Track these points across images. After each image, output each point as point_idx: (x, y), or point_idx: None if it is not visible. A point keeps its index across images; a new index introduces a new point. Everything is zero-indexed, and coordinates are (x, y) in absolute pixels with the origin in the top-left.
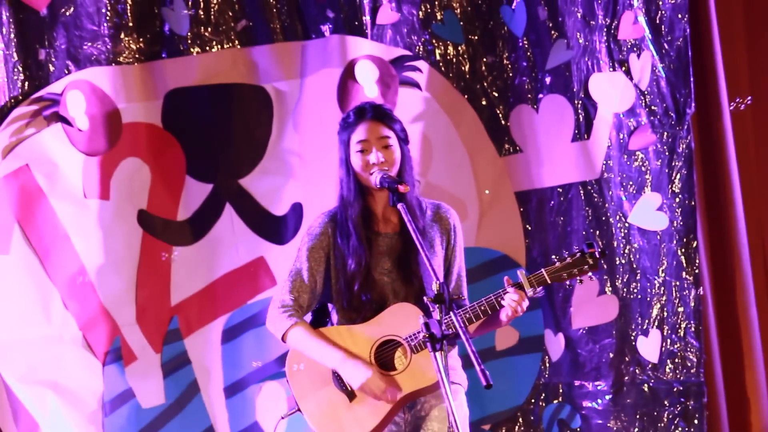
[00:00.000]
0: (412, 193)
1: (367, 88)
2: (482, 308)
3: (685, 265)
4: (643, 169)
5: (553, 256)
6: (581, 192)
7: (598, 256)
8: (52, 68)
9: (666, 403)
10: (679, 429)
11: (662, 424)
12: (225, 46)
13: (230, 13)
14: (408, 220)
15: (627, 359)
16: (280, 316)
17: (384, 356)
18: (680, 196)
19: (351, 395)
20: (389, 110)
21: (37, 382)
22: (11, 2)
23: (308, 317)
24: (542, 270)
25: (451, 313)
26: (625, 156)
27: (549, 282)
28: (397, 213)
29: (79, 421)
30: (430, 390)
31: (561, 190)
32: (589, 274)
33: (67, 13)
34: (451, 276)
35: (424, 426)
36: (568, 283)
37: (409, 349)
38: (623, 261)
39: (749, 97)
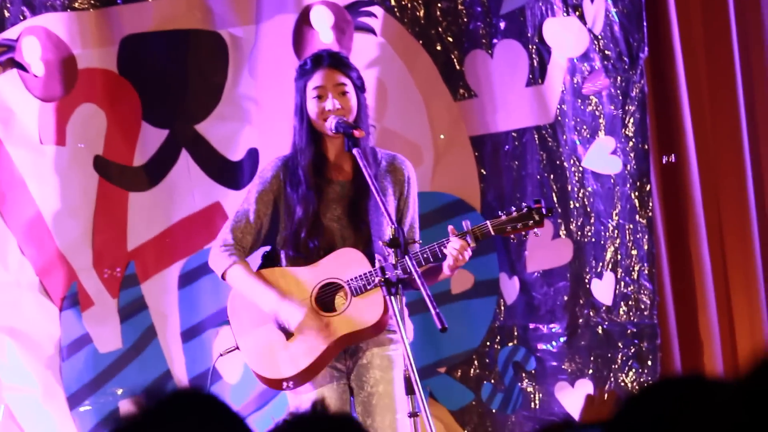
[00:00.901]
0: (367, 141)
1: (323, 33)
2: (425, 256)
3: (638, 208)
4: (596, 113)
5: (500, 212)
6: (535, 136)
7: (544, 212)
8: (7, 14)
9: (620, 344)
10: (633, 370)
11: (616, 366)
12: None
13: None
14: (363, 165)
15: (581, 302)
16: (222, 254)
17: (325, 299)
18: (634, 139)
19: (288, 334)
20: (346, 58)
21: None
22: None
23: (258, 261)
24: (487, 222)
25: (406, 257)
26: (579, 100)
27: (493, 234)
28: (350, 161)
29: (36, 366)
30: (369, 334)
31: (515, 135)
32: (535, 230)
33: None
34: (403, 227)
35: (366, 374)
36: (512, 236)
37: (349, 291)
38: (577, 205)
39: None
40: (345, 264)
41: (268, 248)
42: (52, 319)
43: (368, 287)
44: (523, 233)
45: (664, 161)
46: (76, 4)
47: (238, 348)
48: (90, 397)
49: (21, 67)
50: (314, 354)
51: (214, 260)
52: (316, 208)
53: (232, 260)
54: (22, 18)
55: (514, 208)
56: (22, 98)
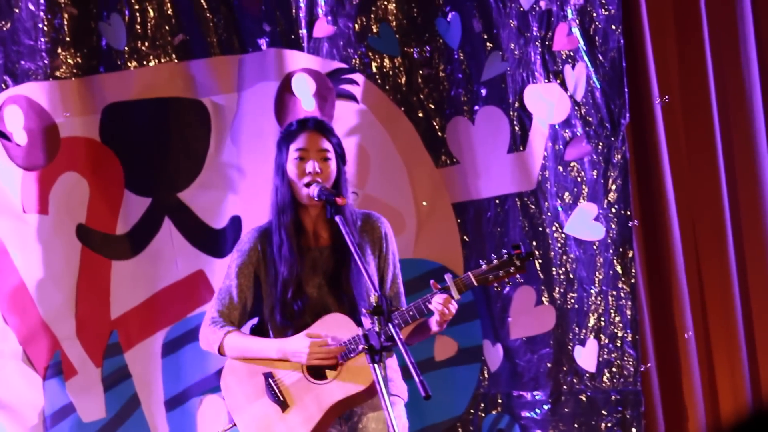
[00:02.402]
0: (348, 208)
1: (305, 101)
2: (410, 314)
3: (621, 274)
4: (578, 179)
5: (480, 261)
6: (518, 203)
7: (524, 256)
8: None
9: (604, 412)
10: None
11: None
12: (162, 60)
13: (167, 28)
14: (346, 233)
15: (565, 369)
16: (213, 329)
17: (316, 367)
18: (616, 206)
19: (283, 405)
20: (330, 126)
21: None
22: None
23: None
24: (469, 273)
25: (390, 325)
26: (561, 167)
27: (476, 284)
28: (329, 228)
29: None
30: (363, 398)
31: (498, 201)
32: (517, 276)
33: (4, 29)
34: (385, 285)
35: None
36: (496, 285)
37: (339, 357)
38: (560, 271)
39: (666, 96)
40: (333, 330)
41: (255, 321)
42: (36, 389)
43: (352, 354)
44: (506, 280)
45: (633, 224)
46: (58, 73)
47: (234, 425)
48: None
49: (3, 136)
50: (311, 423)
51: (205, 338)
52: (298, 270)
53: (225, 330)
54: (4, 87)
55: (494, 257)
56: (4, 167)
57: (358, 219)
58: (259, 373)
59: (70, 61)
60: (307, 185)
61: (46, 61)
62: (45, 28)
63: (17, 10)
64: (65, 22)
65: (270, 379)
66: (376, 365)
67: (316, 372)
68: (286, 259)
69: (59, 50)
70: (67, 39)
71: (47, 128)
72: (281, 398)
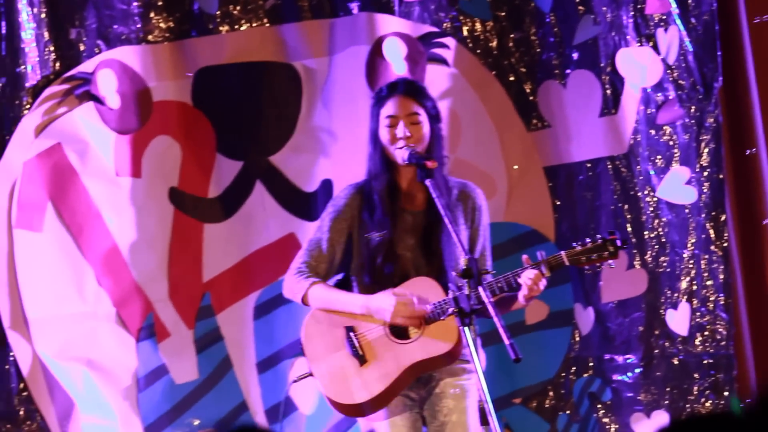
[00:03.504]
0: (440, 171)
1: (396, 65)
2: (499, 285)
3: (713, 238)
4: (671, 143)
5: (574, 243)
6: (609, 166)
7: (619, 244)
8: (82, 47)
9: (695, 375)
10: (709, 401)
11: (692, 397)
12: (254, 25)
13: None
14: (436, 196)
15: (656, 332)
16: (298, 278)
17: (399, 326)
18: (708, 169)
19: (362, 359)
20: (422, 87)
21: (72, 359)
22: None
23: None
24: (562, 253)
25: (480, 288)
26: (653, 130)
27: (567, 264)
28: (423, 191)
29: (114, 397)
30: (443, 361)
31: (589, 165)
32: (609, 261)
33: None
34: (474, 255)
35: (439, 403)
36: (587, 267)
37: (424, 319)
38: (652, 235)
39: None
40: (419, 291)
41: (340, 276)
42: (129, 350)
43: (442, 316)
44: (598, 265)
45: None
46: (151, 37)
47: (311, 374)
48: (167, 428)
49: (97, 99)
50: (388, 380)
51: (290, 287)
52: (391, 234)
53: (310, 281)
54: (97, 51)
55: (588, 240)
56: (98, 131)
57: (454, 188)
58: (340, 325)
59: (162, 25)
60: (399, 149)
61: (138, 26)
62: None
63: None
64: None
65: (351, 333)
66: (466, 328)
67: (399, 331)
68: (379, 223)
69: (152, 14)
70: (160, 3)
71: (140, 92)
72: (360, 352)
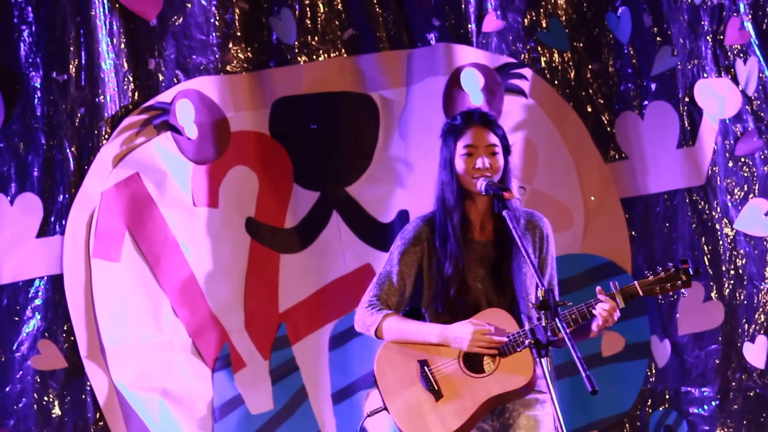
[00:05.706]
0: (511, 202)
1: (473, 95)
2: (573, 317)
3: None
4: (749, 174)
5: (647, 272)
6: (687, 198)
7: (692, 273)
8: (161, 77)
9: None
10: None
11: None
12: (332, 55)
13: (337, 22)
14: (513, 227)
15: (733, 365)
16: (370, 312)
17: (473, 359)
18: None
19: (437, 394)
20: (495, 118)
21: (148, 389)
22: (122, 13)
23: None
24: (635, 282)
25: (557, 319)
26: (731, 162)
27: (641, 294)
28: (492, 221)
29: (190, 427)
30: (517, 395)
31: (666, 197)
32: (682, 290)
33: (177, 23)
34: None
35: None
36: (660, 297)
37: (500, 350)
38: (729, 267)
39: None
40: (495, 323)
41: (407, 309)
42: (205, 381)
43: (518, 348)
44: (671, 293)
45: None
46: (229, 68)
47: (386, 409)
48: None
49: (175, 129)
50: (464, 416)
51: (362, 320)
52: (464, 265)
53: (383, 313)
54: (175, 81)
55: (660, 268)
56: (175, 161)
57: (521, 217)
58: (414, 359)
59: (240, 55)
60: (476, 178)
61: (217, 56)
62: (216, 23)
63: (189, 5)
64: (236, 17)
65: (425, 367)
66: (542, 360)
67: (473, 365)
68: (452, 254)
69: (230, 45)
70: (238, 34)
71: (218, 122)
72: (436, 387)
